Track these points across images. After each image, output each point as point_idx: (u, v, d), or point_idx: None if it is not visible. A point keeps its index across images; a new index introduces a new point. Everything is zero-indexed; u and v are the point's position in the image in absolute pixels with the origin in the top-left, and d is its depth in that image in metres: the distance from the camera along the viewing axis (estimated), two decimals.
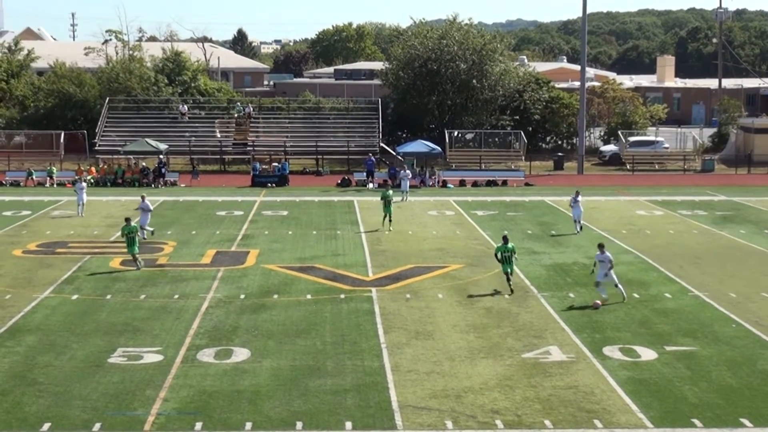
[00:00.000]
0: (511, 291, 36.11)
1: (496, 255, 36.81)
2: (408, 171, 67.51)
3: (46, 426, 22.65)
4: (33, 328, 31.42)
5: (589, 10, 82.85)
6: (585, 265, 41.26)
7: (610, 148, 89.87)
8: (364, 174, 74.87)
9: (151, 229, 48.17)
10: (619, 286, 35.22)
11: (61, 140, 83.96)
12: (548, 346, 29.37)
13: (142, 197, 49.13)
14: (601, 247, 35.53)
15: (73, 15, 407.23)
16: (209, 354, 28.45)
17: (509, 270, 36.36)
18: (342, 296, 36.14)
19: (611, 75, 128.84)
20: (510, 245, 36.46)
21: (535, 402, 24.49)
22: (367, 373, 26.72)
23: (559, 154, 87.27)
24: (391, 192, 53.32)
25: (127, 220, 42.01)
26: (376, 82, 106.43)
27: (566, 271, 40.56)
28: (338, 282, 38.60)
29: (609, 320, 32.61)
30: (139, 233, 44.07)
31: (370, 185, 72.94)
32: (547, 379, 26.22)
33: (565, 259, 43.13)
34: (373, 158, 76.55)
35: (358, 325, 31.91)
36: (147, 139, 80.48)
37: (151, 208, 49.08)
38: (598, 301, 34.64)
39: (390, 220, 51.70)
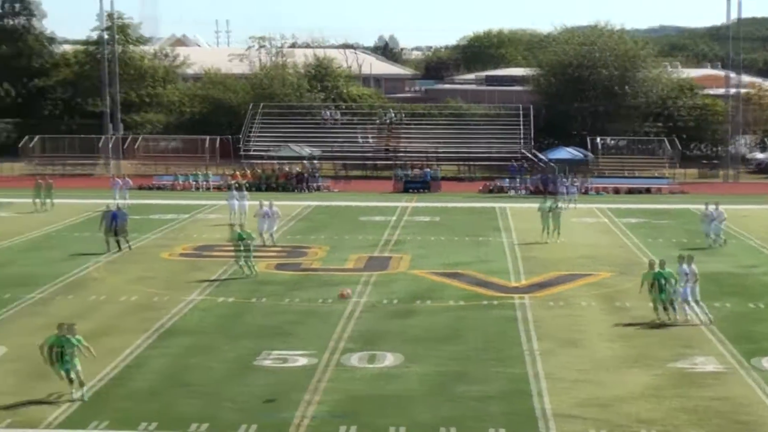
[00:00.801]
0: (668, 321, 32.72)
1: (644, 283, 33.42)
2: (566, 179, 67.14)
3: (197, 426, 23.06)
4: (184, 330, 32.05)
5: (737, 16, 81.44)
6: (737, 274, 40.60)
7: (762, 155, 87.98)
8: (510, 180, 74.65)
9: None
10: (701, 304, 33.09)
11: (210, 145, 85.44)
12: (698, 356, 28.87)
13: (264, 203, 49.30)
14: (687, 259, 33.33)
15: (218, 22, 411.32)
16: (358, 358, 28.64)
17: (664, 298, 32.79)
18: (489, 303, 36.09)
19: (763, 81, 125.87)
20: (666, 271, 33.05)
21: (684, 412, 24.10)
22: (513, 380, 26.63)
23: (709, 161, 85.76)
24: (559, 204, 52.35)
25: (239, 226, 42.26)
26: (522, 88, 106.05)
27: (716, 280, 39.78)
28: (485, 288, 38.55)
29: (763, 330, 31.94)
30: (259, 238, 44.97)
31: (517, 192, 72.72)
32: (696, 390, 25.79)
33: (716, 268, 42.33)
34: (517, 165, 76.34)
35: (504, 332, 31.84)
36: (291, 145, 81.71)
37: (271, 213, 48.92)
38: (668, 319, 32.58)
39: (551, 231, 49.91)
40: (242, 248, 40.58)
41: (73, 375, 24.51)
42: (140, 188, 74.53)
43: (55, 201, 62.24)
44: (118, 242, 45.86)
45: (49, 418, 23.34)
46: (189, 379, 26.62)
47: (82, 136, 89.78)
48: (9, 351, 29.04)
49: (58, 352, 24.47)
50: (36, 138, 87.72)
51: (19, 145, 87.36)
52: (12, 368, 27.32)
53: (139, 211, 60.45)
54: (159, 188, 75.79)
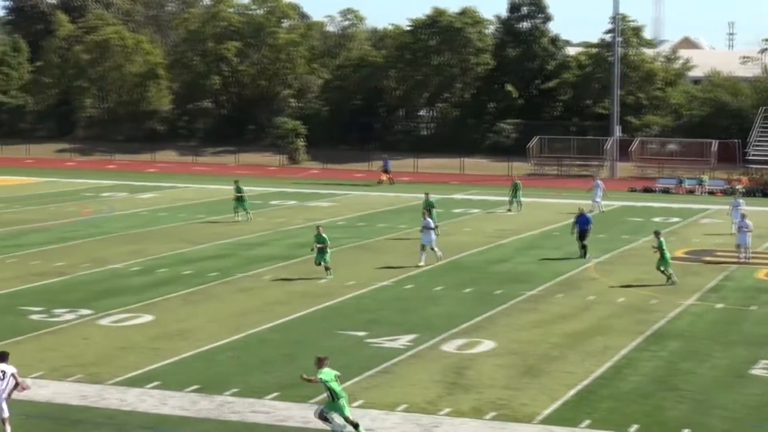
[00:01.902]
0: None
1: None
2: None
3: None
4: (676, 334, 31.62)
5: None
6: None
7: None
8: None
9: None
10: None
11: (713, 149, 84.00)
12: None
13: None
14: None
15: (730, 24, 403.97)
16: None
17: None
18: None
19: None
20: None
21: None
22: None
23: None
24: None
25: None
26: None
27: None
28: None
29: None
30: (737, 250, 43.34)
31: None
32: None
33: None
34: None
35: None
36: None
37: (746, 227, 46.02)
38: None
39: None
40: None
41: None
42: (644, 191, 75.03)
43: (547, 201, 63.46)
44: (583, 247, 45.44)
45: (539, 413, 23.77)
46: (678, 384, 26.22)
47: (585, 137, 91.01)
48: (499, 346, 29.82)
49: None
50: (537, 138, 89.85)
51: (527, 146, 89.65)
52: (501, 362, 28.05)
53: (640, 214, 60.71)
54: (662, 191, 75.47)
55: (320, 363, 22.12)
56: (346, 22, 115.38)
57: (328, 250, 39.97)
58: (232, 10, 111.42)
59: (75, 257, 44.06)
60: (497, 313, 34.26)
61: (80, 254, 44.91)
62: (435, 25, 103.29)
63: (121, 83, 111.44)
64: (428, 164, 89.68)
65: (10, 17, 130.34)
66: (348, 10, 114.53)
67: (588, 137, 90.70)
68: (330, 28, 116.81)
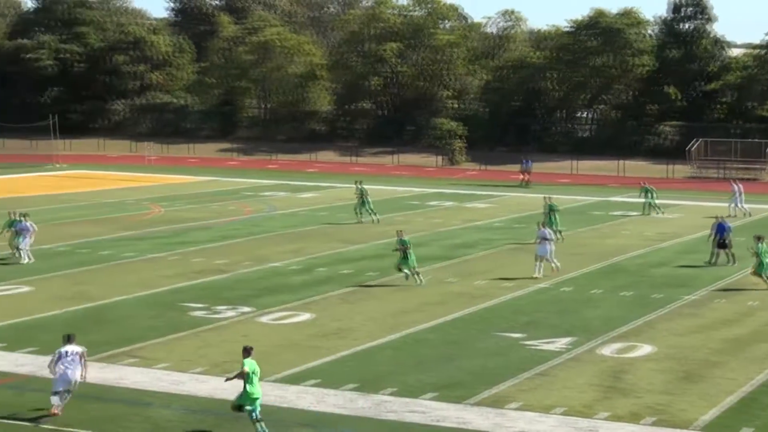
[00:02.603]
0: None
1: None
2: None
3: None
4: None
5: None
6: None
7: None
8: None
9: None
10: None
11: None
12: None
13: None
14: None
15: None
16: None
17: None
18: None
19: None
20: None
21: None
22: None
23: None
24: None
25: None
26: None
27: None
28: None
29: None
30: None
31: None
32: None
33: None
34: None
35: None
36: None
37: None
38: None
39: None
40: None
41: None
42: None
43: (708, 204, 62.59)
44: (727, 254, 43.79)
45: (698, 419, 23.38)
46: None
47: (747, 140, 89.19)
48: (658, 350, 29.42)
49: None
50: (699, 141, 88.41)
51: (687, 149, 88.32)
52: (660, 367, 27.66)
53: None
54: None
55: (247, 352, 21.98)
56: (506, 23, 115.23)
57: (412, 254, 38.80)
58: (391, 11, 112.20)
59: (236, 255, 44.91)
60: (656, 317, 33.79)
61: (241, 252, 45.76)
62: (595, 26, 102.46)
63: (283, 84, 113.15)
64: (587, 166, 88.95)
65: (175, 19, 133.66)
66: (508, 11, 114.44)
67: (751, 140, 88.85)
68: (489, 29, 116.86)
